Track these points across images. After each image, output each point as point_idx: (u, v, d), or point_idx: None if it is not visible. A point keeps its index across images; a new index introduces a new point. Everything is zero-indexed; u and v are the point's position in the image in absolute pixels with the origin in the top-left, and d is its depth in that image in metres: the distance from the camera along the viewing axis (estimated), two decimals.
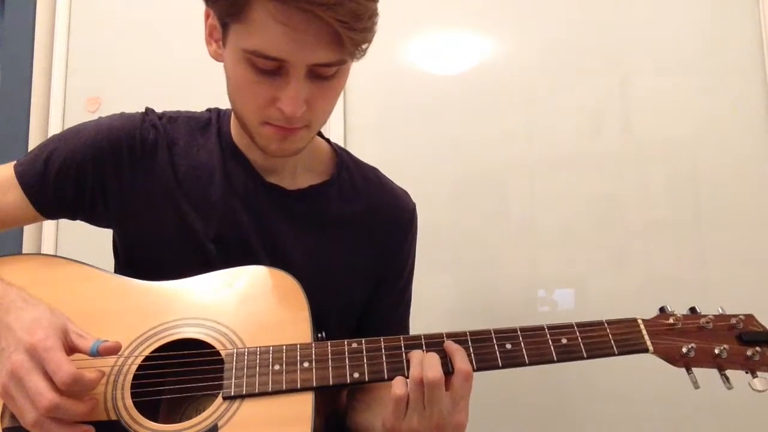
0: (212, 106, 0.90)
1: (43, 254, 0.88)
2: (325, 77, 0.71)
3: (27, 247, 1.49)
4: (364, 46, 0.70)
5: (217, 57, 0.77)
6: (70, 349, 0.67)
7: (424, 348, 0.72)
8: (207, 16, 0.76)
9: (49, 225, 1.51)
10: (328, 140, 0.94)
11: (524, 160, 1.42)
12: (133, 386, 0.70)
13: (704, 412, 1.27)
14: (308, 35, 0.65)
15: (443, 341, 0.72)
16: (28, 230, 1.51)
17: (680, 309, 0.77)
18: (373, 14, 0.67)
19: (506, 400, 1.33)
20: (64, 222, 1.49)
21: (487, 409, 1.34)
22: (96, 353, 0.66)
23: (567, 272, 1.38)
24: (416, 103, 1.46)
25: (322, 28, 0.65)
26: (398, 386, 0.68)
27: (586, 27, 1.44)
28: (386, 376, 0.70)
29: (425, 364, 0.68)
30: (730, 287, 1.31)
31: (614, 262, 1.36)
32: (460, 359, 0.70)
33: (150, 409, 0.70)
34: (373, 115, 1.46)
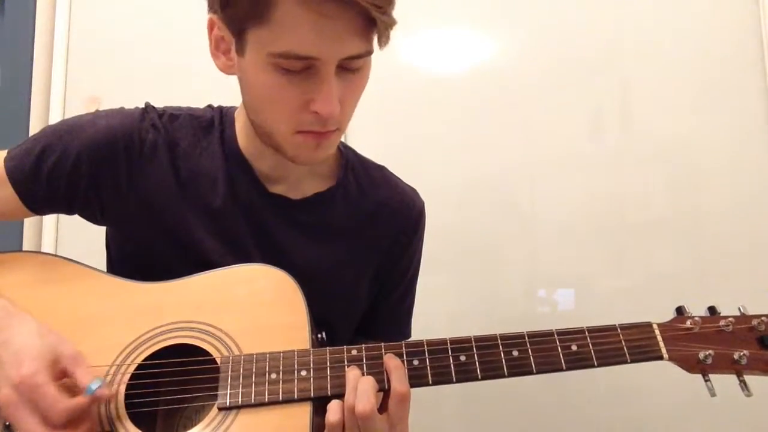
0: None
1: (41, 252, 0.87)
2: (353, 71, 0.69)
3: (27, 243, 1.49)
4: (390, 31, 0.68)
5: (227, 70, 0.73)
6: (62, 374, 0.65)
7: (404, 356, 0.69)
8: (211, 28, 0.72)
9: (49, 221, 1.51)
10: None
11: (524, 161, 1.41)
12: (127, 396, 0.68)
13: (707, 412, 1.27)
14: (339, 25, 0.63)
15: (447, 347, 0.70)
16: (29, 227, 1.51)
17: (686, 309, 0.74)
18: None
19: (505, 400, 1.33)
20: (64, 219, 1.49)
21: (486, 407, 1.34)
22: (92, 395, 0.64)
23: (567, 272, 1.38)
24: (415, 103, 1.46)
25: (353, 17, 0.63)
26: (333, 412, 0.65)
27: (586, 27, 1.44)
28: (387, 386, 0.68)
29: (359, 392, 0.65)
30: (730, 287, 1.31)
31: (614, 262, 1.36)
32: (397, 379, 0.67)
33: (145, 416, 0.69)
34: (373, 116, 1.46)
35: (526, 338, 0.70)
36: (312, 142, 0.72)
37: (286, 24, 0.63)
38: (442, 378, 0.69)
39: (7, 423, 0.66)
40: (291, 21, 0.62)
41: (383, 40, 0.68)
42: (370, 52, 0.68)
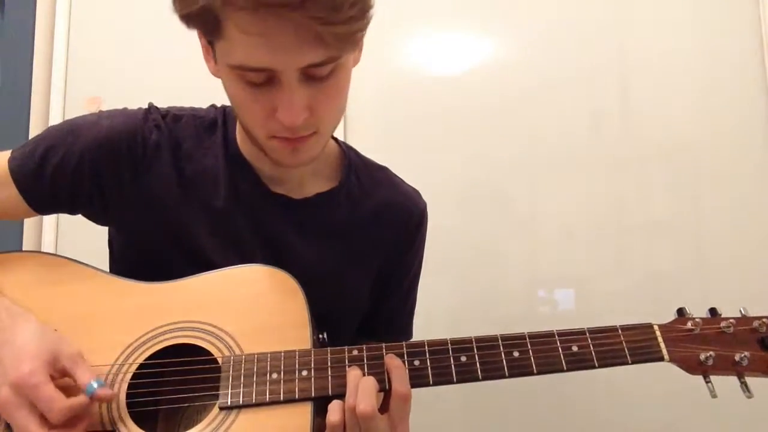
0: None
1: (43, 252, 0.87)
2: (322, 77, 0.66)
3: (27, 243, 1.49)
4: (356, 37, 0.63)
5: (216, 74, 0.73)
6: (62, 374, 0.65)
7: (405, 356, 0.69)
8: (200, 36, 0.72)
9: (49, 221, 1.51)
10: (336, 139, 0.90)
11: (524, 160, 1.42)
12: (129, 395, 0.68)
13: (706, 412, 1.27)
14: (287, 38, 0.60)
15: (448, 348, 0.70)
16: (29, 227, 1.51)
17: (687, 310, 0.74)
18: (356, 1, 0.60)
19: (505, 400, 1.33)
20: (64, 218, 1.49)
21: (487, 408, 1.34)
22: (92, 395, 0.63)
23: (567, 272, 1.38)
24: (415, 104, 1.46)
25: (300, 29, 0.59)
26: (334, 412, 0.65)
27: (586, 27, 1.44)
28: (388, 386, 0.68)
29: (360, 392, 0.65)
30: (730, 287, 1.31)
31: (614, 262, 1.36)
32: (398, 379, 0.67)
33: (146, 415, 0.69)
34: (373, 117, 1.46)
35: (527, 339, 0.71)
36: (287, 147, 0.71)
37: (235, 39, 0.62)
38: (442, 378, 0.69)
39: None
40: (239, 37, 0.61)
41: (345, 48, 0.64)
42: (335, 58, 0.64)
